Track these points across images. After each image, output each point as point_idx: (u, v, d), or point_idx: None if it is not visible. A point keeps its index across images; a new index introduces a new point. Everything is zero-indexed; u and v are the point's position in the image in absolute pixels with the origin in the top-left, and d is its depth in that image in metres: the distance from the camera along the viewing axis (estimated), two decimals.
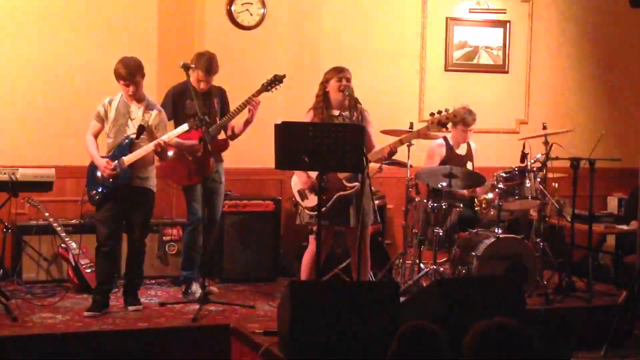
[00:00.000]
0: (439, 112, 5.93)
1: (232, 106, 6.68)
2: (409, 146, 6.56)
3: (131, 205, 6.09)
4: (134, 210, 6.11)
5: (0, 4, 7.21)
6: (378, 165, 6.33)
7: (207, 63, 6.51)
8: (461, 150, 7.35)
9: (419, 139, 6.64)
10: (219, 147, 6.63)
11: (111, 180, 6.00)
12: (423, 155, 7.29)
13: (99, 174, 6.06)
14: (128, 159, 5.99)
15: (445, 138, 7.29)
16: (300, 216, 6.16)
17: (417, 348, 3.31)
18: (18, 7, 7.25)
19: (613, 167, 7.83)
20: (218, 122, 6.60)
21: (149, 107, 6.11)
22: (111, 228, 6.07)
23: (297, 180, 6.10)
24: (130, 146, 6.03)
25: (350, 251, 6.27)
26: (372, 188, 6.11)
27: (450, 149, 7.31)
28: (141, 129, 6.04)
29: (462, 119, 7.04)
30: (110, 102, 6.12)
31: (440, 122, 5.93)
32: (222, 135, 6.74)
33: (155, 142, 5.95)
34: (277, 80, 6.55)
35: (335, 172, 5.85)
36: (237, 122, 6.69)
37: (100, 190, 6.06)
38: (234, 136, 6.76)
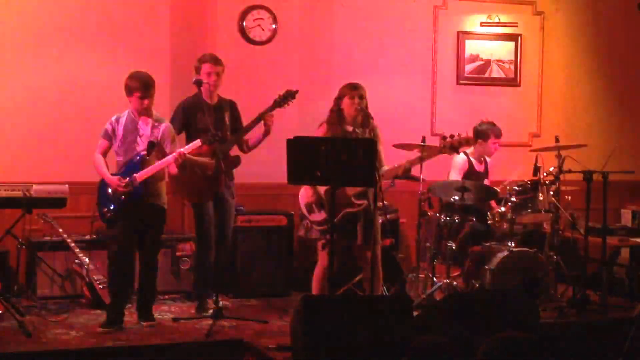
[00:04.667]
0: (452, 136, 5.93)
1: (244, 119, 6.70)
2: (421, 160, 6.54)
3: (142, 222, 6.10)
4: (145, 226, 6.12)
5: (15, 23, 7.27)
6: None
7: (211, 55, 6.65)
8: (479, 168, 7.36)
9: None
10: (231, 164, 6.63)
11: (123, 197, 6.01)
12: (436, 169, 7.27)
13: (109, 191, 6.06)
14: (140, 175, 5.99)
15: (466, 153, 7.29)
16: (306, 229, 6.15)
17: None
18: (32, 25, 7.29)
19: (626, 179, 7.79)
20: (229, 136, 6.61)
21: (157, 123, 6.12)
22: (123, 245, 6.08)
23: (305, 194, 6.11)
24: (142, 163, 6.04)
25: (362, 267, 6.27)
26: (385, 202, 6.11)
27: (470, 164, 7.31)
28: (151, 145, 6.03)
29: (493, 132, 7.18)
30: (117, 120, 6.13)
31: (452, 146, 5.92)
32: (234, 151, 6.75)
33: (174, 154, 5.94)
34: (289, 95, 6.55)
35: (344, 188, 5.85)
36: (251, 135, 6.71)
37: (111, 207, 6.06)
38: (248, 149, 6.77)
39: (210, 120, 6.34)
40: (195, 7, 7.74)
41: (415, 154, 6.28)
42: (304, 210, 6.11)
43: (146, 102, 6.01)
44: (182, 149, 6.00)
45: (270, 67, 7.78)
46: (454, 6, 8.41)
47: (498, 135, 7.35)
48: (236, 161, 6.68)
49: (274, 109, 6.55)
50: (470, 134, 6.06)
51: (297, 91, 6.56)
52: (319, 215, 5.97)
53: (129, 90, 6.02)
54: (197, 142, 6.05)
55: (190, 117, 6.60)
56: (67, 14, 7.38)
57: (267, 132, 6.59)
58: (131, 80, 6.03)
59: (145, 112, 6.07)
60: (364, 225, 5.95)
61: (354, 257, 6.45)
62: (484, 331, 3.91)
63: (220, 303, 6.41)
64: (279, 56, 7.83)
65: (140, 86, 5.98)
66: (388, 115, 7.50)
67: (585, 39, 8.86)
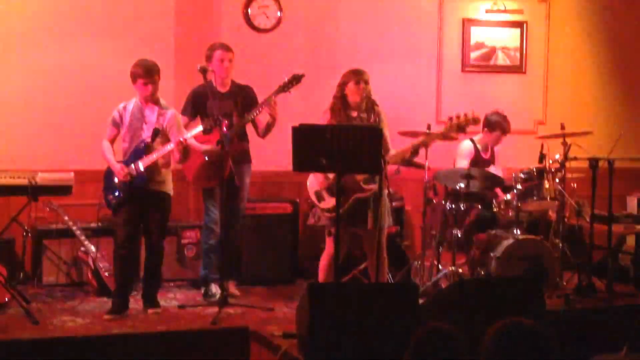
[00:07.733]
0: (457, 117, 5.88)
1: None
2: (426, 148, 6.53)
3: (148, 209, 6.12)
4: (151, 213, 6.14)
5: (20, 12, 7.27)
6: (395, 167, 6.31)
7: (221, 43, 6.70)
8: (486, 155, 7.35)
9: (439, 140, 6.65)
10: (237, 151, 6.60)
11: (127, 184, 6.02)
12: (441, 156, 7.26)
13: (116, 179, 6.09)
14: (144, 162, 6.01)
15: (472, 140, 7.28)
16: (315, 216, 6.14)
17: (435, 350, 3.30)
18: (36, 14, 7.30)
19: (632, 166, 7.80)
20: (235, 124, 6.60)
21: (163, 110, 6.14)
22: (129, 231, 6.10)
23: (314, 181, 6.09)
24: (146, 149, 6.05)
25: (368, 253, 6.26)
26: (391, 189, 6.10)
27: (477, 151, 7.30)
28: (156, 132, 6.06)
29: (501, 127, 7.13)
30: (124, 107, 6.17)
31: (459, 126, 5.87)
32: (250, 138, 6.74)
33: (175, 141, 5.96)
34: (295, 79, 6.43)
35: (352, 173, 5.85)
36: (261, 123, 6.69)
37: (117, 194, 6.09)
38: (260, 135, 6.73)
39: (218, 106, 6.32)
40: None
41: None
42: (313, 199, 6.10)
43: (150, 88, 6.03)
44: (183, 136, 6.00)
45: (275, 54, 7.77)
46: None
47: (505, 131, 7.30)
48: (241, 148, 6.63)
49: (279, 94, 6.49)
50: (477, 114, 5.96)
51: (303, 75, 6.44)
52: (329, 203, 5.95)
53: (134, 77, 6.08)
54: (199, 128, 6.07)
55: (200, 104, 6.61)
56: (73, 2, 7.38)
57: (272, 119, 6.57)
58: (135, 67, 6.08)
59: (151, 99, 6.09)
60: (374, 211, 5.93)
61: (361, 244, 6.45)
62: (489, 319, 3.91)
63: (231, 291, 6.45)
64: (283, 44, 7.81)
65: (143, 72, 6.01)
66: (393, 102, 7.47)
67: (591, 26, 8.83)
